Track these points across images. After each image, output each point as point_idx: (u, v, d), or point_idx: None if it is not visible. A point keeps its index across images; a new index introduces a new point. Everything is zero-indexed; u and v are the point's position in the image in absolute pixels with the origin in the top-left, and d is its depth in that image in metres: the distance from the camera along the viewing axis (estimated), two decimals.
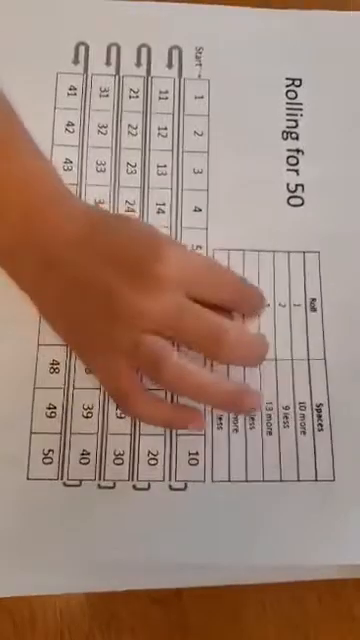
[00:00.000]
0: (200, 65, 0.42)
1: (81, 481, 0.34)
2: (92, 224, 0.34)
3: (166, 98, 0.41)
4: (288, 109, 0.41)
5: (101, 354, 0.34)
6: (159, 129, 0.41)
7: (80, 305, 0.33)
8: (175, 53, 0.42)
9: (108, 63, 0.42)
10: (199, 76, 0.42)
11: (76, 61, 0.42)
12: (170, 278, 0.32)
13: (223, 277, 0.36)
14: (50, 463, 0.34)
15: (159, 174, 0.40)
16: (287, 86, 0.42)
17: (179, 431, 0.35)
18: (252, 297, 0.37)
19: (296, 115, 0.41)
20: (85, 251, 0.33)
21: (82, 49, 0.42)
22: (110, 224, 0.35)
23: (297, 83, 0.42)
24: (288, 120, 0.41)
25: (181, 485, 0.34)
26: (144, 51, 0.42)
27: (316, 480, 0.35)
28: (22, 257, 0.34)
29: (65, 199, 0.36)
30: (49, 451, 0.35)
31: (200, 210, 0.39)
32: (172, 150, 0.40)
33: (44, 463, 0.34)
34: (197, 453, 0.35)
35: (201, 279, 0.34)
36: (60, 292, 0.34)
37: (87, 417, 0.35)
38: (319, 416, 0.36)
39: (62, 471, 0.34)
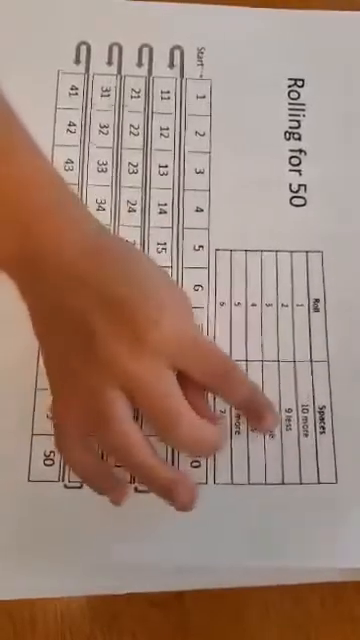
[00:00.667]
0: (202, 65, 0.42)
1: (82, 483, 0.34)
2: (96, 251, 0.31)
3: (168, 98, 0.41)
4: (290, 109, 0.41)
5: (64, 385, 0.32)
6: (161, 129, 0.41)
7: (59, 333, 0.31)
8: (177, 53, 0.42)
9: (110, 63, 0.42)
10: (201, 76, 0.42)
11: (77, 61, 0.42)
12: (160, 349, 0.31)
13: (212, 360, 0.34)
14: (51, 465, 0.34)
15: (161, 174, 0.40)
16: (289, 86, 0.42)
17: None
18: (236, 382, 0.34)
19: (298, 115, 0.41)
20: (80, 282, 0.31)
21: (84, 49, 0.42)
22: (117, 261, 0.32)
23: (299, 83, 0.42)
24: (290, 120, 0.41)
25: None
26: (146, 51, 0.42)
27: (318, 483, 0.35)
28: (19, 269, 0.32)
29: (67, 209, 0.32)
30: (50, 453, 0.35)
31: (202, 210, 0.39)
32: (174, 150, 0.40)
33: (45, 465, 0.34)
34: (199, 455, 0.35)
35: (186, 353, 0.32)
36: (45, 314, 0.32)
37: None
38: (322, 418, 0.35)
39: (63, 473, 0.34)
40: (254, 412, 0.34)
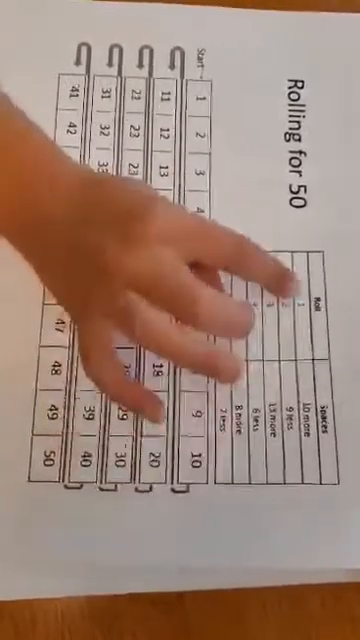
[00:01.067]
0: (202, 66, 0.42)
1: (82, 483, 0.34)
2: (82, 182, 0.33)
3: (168, 99, 0.41)
4: (290, 110, 0.41)
5: (82, 309, 0.33)
6: (161, 130, 0.41)
7: (76, 270, 0.32)
8: (177, 54, 0.42)
9: (110, 64, 0.42)
10: (201, 77, 0.42)
11: (78, 62, 0.42)
12: (153, 235, 0.31)
13: (217, 234, 0.34)
14: (51, 465, 0.34)
15: (161, 175, 0.40)
16: (289, 87, 0.42)
17: (182, 432, 0.35)
18: (253, 255, 0.35)
19: (298, 117, 0.41)
20: (74, 210, 0.32)
21: (84, 50, 0.42)
22: (102, 182, 0.34)
23: (299, 85, 0.42)
24: (290, 122, 0.41)
25: (183, 487, 0.34)
26: (146, 52, 0.42)
27: (320, 483, 0.34)
28: (22, 226, 0.33)
29: (55, 157, 0.34)
30: (50, 453, 0.34)
31: (202, 211, 0.39)
32: (174, 151, 0.40)
33: (45, 465, 0.34)
34: (200, 455, 0.35)
35: (191, 236, 0.33)
36: (48, 249, 0.33)
37: (89, 419, 0.35)
38: (323, 418, 0.35)
39: (63, 473, 0.34)
40: (276, 285, 0.36)
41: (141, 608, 0.34)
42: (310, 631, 0.34)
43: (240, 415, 0.35)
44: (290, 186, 0.40)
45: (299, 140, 0.41)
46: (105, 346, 0.33)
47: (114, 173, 0.40)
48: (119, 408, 0.35)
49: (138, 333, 0.32)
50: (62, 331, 0.36)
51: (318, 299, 0.37)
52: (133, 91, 0.41)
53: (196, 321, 0.32)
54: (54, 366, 0.36)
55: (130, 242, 0.31)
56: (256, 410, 0.35)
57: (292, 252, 0.38)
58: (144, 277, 0.31)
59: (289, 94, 0.42)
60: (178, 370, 0.36)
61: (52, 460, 0.34)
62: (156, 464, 0.34)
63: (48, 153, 0.34)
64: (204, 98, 0.41)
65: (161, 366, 0.36)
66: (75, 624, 0.34)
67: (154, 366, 0.36)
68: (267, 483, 0.34)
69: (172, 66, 0.42)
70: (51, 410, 0.35)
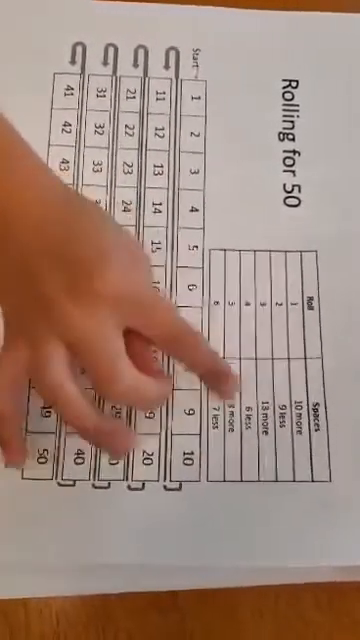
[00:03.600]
0: (197, 66, 0.42)
1: (75, 481, 0.34)
2: (55, 217, 0.31)
3: (163, 99, 0.41)
4: (284, 110, 0.42)
5: (16, 339, 0.32)
6: (156, 129, 0.41)
7: (16, 291, 0.32)
8: (172, 54, 0.42)
9: (105, 63, 0.42)
10: (196, 77, 0.42)
11: (73, 61, 0.42)
12: (97, 296, 0.31)
13: (159, 313, 0.34)
14: (45, 463, 0.34)
15: (156, 174, 0.40)
16: (283, 87, 0.42)
17: (174, 430, 0.35)
18: (189, 346, 0.34)
19: (292, 116, 0.41)
20: (40, 241, 0.31)
21: (79, 49, 0.42)
22: (71, 219, 0.32)
23: (293, 84, 0.42)
24: (284, 121, 0.41)
25: (176, 485, 0.34)
26: (141, 52, 0.42)
27: (312, 481, 0.35)
28: None
29: (20, 162, 0.32)
30: (44, 451, 0.34)
31: (197, 210, 0.39)
32: (169, 150, 0.40)
33: (39, 463, 0.34)
34: (192, 453, 0.35)
35: (132, 307, 0.32)
36: (7, 271, 0.32)
37: None
38: (316, 416, 0.35)
39: (57, 471, 0.34)
40: (212, 383, 0.35)
41: (136, 608, 0.34)
42: (307, 631, 0.34)
43: (233, 413, 0.35)
44: (284, 185, 0.40)
45: (293, 140, 0.41)
46: (13, 378, 0.32)
47: (109, 172, 0.40)
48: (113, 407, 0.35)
49: (44, 386, 0.31)
50: None
51: (311, 298, 0.37)
52: (128, 90, 0.41)
53: (107, 397, 0.33)
54: None
55: (74, 294, 0.30)
56: (249, 408, 0.35)
57: (285, 251, 0.38)
58: (79, 340, 0.31)
59: (283, 94, 0.42)
60: (171, 368, 0.36)
61: (45, 458, 0.34)
62: (149, 462, 0.34)
63: (27, 176, 0.32)
64: (199, 98, 0.41)
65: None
66: (70, 623, 0.34)
67: None
68: (259, 481, 0.34)
69: (167, 66, 0.42)
70: (44, 408, 0.35)
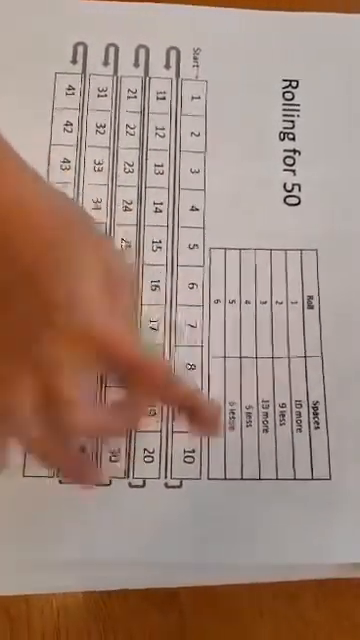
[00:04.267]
0: (197, 66, 0.42)
1: None
2: (50, 241, 0.29)
3: (164, 98, 0.42)
4: (285, 110, 0.42)
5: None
6: (156, 129, 0.41)
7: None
8: (173, 54, 0.42)
9: (106, 63, 0.42)
10: (196, 77, 0.42)
11: (74, 61, 0.42)
12: (67, 331, 0.28)
13: (124, 354, 0.30)
14: None
15: (156, 173, 0.40)
16: (284, 87, 0.42)
17: (175, 428, 0.35)
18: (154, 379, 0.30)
19: (292, 116, 0.42)
20: (31, 265, 0.28)
21: (80, 49, 0.42)
22: (60, 245, 0.29)
23: (294, 84, 0.42)
24: (285, 121, 0.42)
25: (176, 483, 0.34)
26: (142, 52, 0.42)
27: (312, 479, 0.35)
28: None
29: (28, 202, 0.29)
30: None
31: (197, 209, 0.39)
32: (169, 150, 0.40)
33: None
34: (193, 451, 0.35)
35: (101, 347, 0.29)
36: None
37: None
38: (315, 414, 0.36)
39: (58, 468, 0.34)
40: (188, 416, 0.31)
41: (136, 605, 0.34)
42: (306, 630, 0.34)
43: (233, 412, 0.36)
44: (284, 184, 0.40)
45: (293, 139, 0.41)
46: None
47: (110, 171, 0.40)
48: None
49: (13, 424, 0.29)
50: None
51: (311, 297, 0.38)
52: (129, 90, 0.42)
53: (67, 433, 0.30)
54: None
55: (50, 327, 0.28)
56: (249, 406, 0.36)
57: (286, 250, 0.39)
58: (44, 369, 0.28)
59: (284, 94, 0.42)
60: (172, 364, 0.36)
61: None
62: (150, 459, 0.35)
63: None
64: (199, 97, 0.42)
65: None
66: (71, 620, 0.34)
67: None
68: (259, 479, 0.35)
69: (168, 65, 0.42)
70: None
